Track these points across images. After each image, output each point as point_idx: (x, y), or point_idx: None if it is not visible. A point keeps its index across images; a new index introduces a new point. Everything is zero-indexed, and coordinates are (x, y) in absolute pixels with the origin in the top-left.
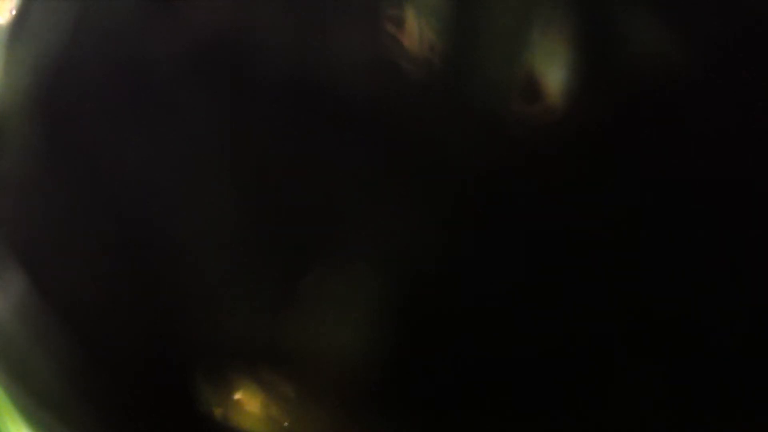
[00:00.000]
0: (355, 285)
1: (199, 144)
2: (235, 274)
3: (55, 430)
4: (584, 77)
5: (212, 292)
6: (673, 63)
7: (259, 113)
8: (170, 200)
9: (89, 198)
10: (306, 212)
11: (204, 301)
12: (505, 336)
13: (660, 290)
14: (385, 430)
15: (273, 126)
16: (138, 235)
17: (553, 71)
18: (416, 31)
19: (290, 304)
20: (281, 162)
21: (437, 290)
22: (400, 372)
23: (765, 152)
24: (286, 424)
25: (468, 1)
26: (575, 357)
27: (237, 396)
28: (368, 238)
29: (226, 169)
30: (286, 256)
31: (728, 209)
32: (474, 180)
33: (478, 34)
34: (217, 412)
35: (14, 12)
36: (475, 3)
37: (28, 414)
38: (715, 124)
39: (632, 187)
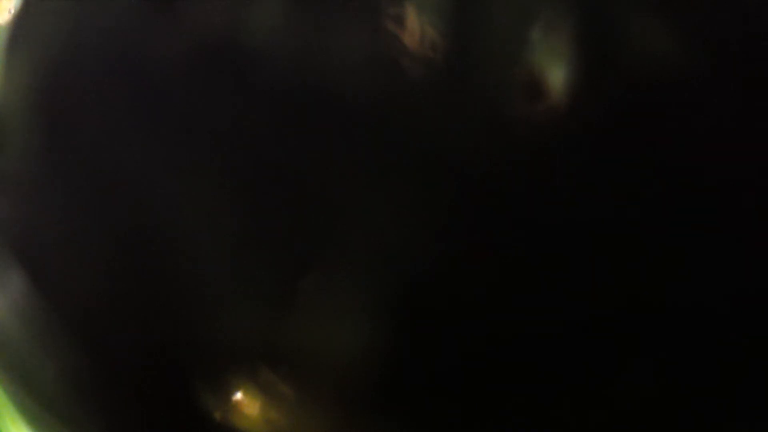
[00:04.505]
0: (355, 285)
1: (198, 144)
2: (235, 275)
3: (55, 430)
4: (586, 76)
5: (212, 293)
6: (674, 61)
7: (260, 113)
8: (170, 201)
9: (89, 198)
10: (305, 212)
11: (204, 301)
12: (505, 336)
13: (660, 289)
14: (385, 430)
15: (273, 126)
16: (138, 235)
17: (555, 70)
18: (418, 30)
19: (290, 304)
20: (281, 162)
21: (437, 290)
22: (400, 372)
23: (765, 151)
24: (285, 424)
25: (469, 0)
26: (574, 356)
27: (237, 396)
28: (368, 238)
29: (226, 170)
30: (285, 256)
31: (728, 208)
32: (475, 179)
33: (480, 33)
34: (218, 412)
35: (14, 12)
36: (477, 2)
37: (28, 414)
38: (716, 122)
39: (633, 186)
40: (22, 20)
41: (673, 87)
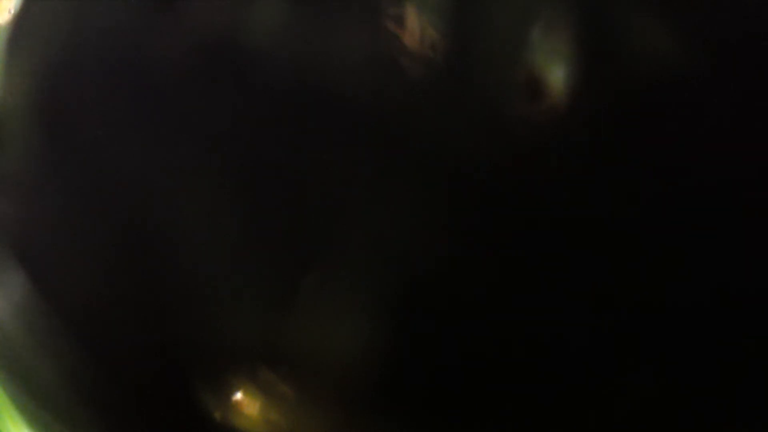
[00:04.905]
0: (355, 285)
1: (198, 144)
2: (235, 275)
3: (54, 429)
4: (586, 76)
5: (212, 293)
6: (674, 61)
7: (260, 113)
8: (170, 201)
9: (90, 199)
10: (305, 212)
11: (204, 301)
12: (504, 336)
13: (660, 289)
14: (385, 430)
15: (273, 126)
16: (138, 235)
17: (555, 70)
18: (418, 30)
19: (290, 304)
20: (281, 162)
21: (437, 290)
22: (400, 372)
23: (765, 151)
24: (285, 424)
25: (469, 0)
26: (574, 356)
27: (237, 396)
28: (368, 238)
29: (226, 170)
30: (285, 256)
31: (728, 208)
32: (475, 179)
33: (480, 33)
34: (218, 412)
35: (14, 12)
36: (477, 2)
37: (28, 414)
38: (716, 122)
39: (633, 186)
40: (22, 20)
41: (673, 87)
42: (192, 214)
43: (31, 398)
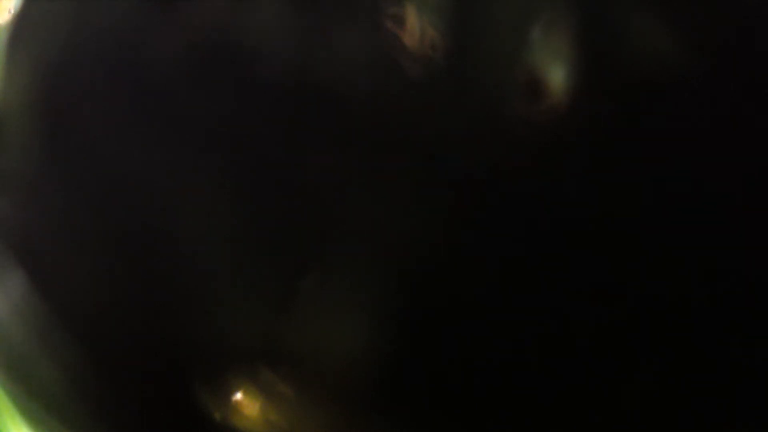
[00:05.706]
0: (355, 285)
1: (198, 144)
2: (235, 275)
3: (54, 430)
4: (586, 76)
5: (213, 294)
6: (674, 61)
7: (260, 113)
8: (170, 201)
9: (89, 198)
10: (305, 212)
11: (204, 302)
12: (505, 336)
13: (660, 288)
14: (385, 430)
15: (273, 125)
16: (138, 235)
17: (555, 70)
18: (418, 30)
19: (290, 304)
20: (281, 162)
21: (437, 290)
22: (400, 372)
23: (763, 150)
24: (285, 424)
25: (469, 0)
26: (574, 356)
27: (237, 396)
28: (368, 238)
29: (226, 170)
30: (285, 256)
31: (728, 208)
32: (475, 179)
33: (480, 33)
34: (218, 412)
35: (14, 12)
36: (477, 2)
37: (27, 414)
38: (716, 121)
39: (633, 185)
40: (22, 20)
41: (673, 87)
42: (192, 213)
43: (31, 398)
